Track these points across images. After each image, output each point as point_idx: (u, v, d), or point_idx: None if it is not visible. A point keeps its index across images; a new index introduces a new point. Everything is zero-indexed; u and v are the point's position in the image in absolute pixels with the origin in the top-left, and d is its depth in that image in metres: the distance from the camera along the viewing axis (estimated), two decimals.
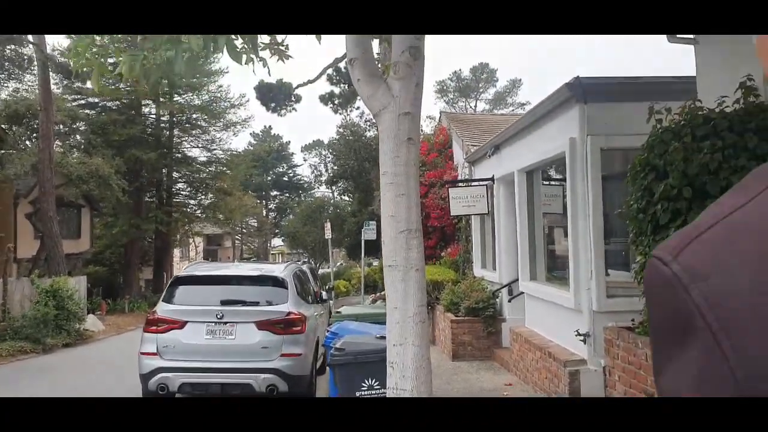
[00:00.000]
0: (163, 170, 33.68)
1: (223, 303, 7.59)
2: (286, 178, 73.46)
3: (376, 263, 25.65)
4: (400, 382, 3.94)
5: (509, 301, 10.46)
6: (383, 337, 4.21)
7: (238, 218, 44.07)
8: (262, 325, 7.42)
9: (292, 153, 73.90)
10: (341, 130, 23.68)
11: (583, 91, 7.02)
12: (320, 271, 41.94)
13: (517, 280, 10.29)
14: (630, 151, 7.42)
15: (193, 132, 35.02)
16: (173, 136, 34.90)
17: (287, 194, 73.80)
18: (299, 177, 72.59)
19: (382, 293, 21.35)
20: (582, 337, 7.00)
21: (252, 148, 67.98)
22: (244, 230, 75.93)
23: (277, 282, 7.95)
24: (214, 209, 36.78)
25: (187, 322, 7.47)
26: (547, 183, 9.77)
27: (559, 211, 10.03)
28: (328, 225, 20.18)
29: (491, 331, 10.67)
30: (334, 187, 27.18)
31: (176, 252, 53.59)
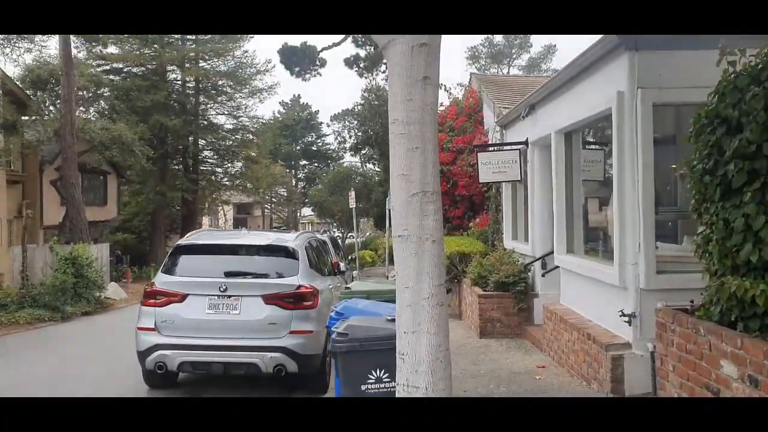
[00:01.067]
0: (189, 138, 33.25)
1: (227, 275, 6.93)
2: (315, 148, 73.00)
3: None
4: (412, 377, 3.22)
5: (543, 275, 9.64)
6: (394, 320, 3.48)
7: (266, 187, 43.62)
8: (269, 299, 6.76)
9: (321, 122, 73.37)
10: (366, 94, 22.77)
11: (634, 37, 6.10)
12: (348, 241, 41.48)
13: (552, 252, 9.46)
14: (687, 107, 6.50)
15: (219, 99, 34.46)
16: (199, 103, 34.40)
17: (316, 164, 73.43)
18: (328, 146, 72.13)
19: None
20: (627, 318, 6.19)
21: (280, 117, 67.78)
22: (274, 199, 76.08)
23: (287, 252, 7.26)
24: (242, 177, 36.39)
25: (187, 295, 6.83)
26: (587, 147, 8.88)
27: (599, 178, 9.16)
28: (352, 194, 19.44)
29: (522, 307, 9.89)
30: (358, 155, 26.29)
31: (205, 220, 53.78)
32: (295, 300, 6.80)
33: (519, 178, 10.32)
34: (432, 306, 3.25)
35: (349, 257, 16.27)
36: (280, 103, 73.51)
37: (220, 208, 51.24)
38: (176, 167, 34.50)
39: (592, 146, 9.08)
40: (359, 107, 23.21)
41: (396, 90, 3.28)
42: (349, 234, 43.68)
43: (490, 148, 10.99)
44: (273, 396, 6.95)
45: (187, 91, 34.12)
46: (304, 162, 73.33)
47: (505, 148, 10.58)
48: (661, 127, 8.04)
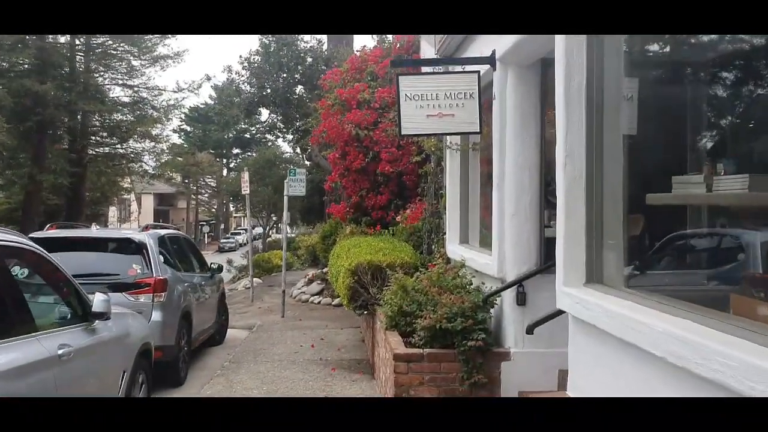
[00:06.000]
0: (78, 114, 27.18)
1: None
2: (248, 135, 67.33)
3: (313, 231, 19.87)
4: None
5: (529, 331, 4.67)
6: None
7: (169, 171, 37.84)
8: None
9: (259, 107, 67.40)
10: (265, 39, 17.23)
11: None
12: (275, 237, 36.09)
13: (537, 273, 4.72)
14: None
15: (109, 62, 28.40)
16: (90, 70, 28.39)
17: (250, 152, 67.81)
18: (266, 138, 66.80)
19: (323, 271, 15.62)
20: None
21: (212, 103, 62.59)
22: (201, 191, 70.30)
23: None
24: (136, 160, 30.52)
25: None
26: None
27: (630, 132, 4.35)
28: (245, 176, 14.30)
29: (479, 380, 5.02)
30: (251, 120, 20.93)
31: (112, 211, 47.46)
32: None
33: (477, 129, 5.37)
34: None
35: (225, 262, 11.18)
36: (212, 86, 67.33)
37: (128, 197, 44.97)
38: (62, 147, 28.51)
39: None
40: (255, 57, 17.71)
41: None
42: (269, 229, 38.35)
43: (425, 69, 6.07)
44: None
45: (78, 55, 28.10)
46: (237, 150, 67.75)
47: (454, 69, 5.64)
48: None
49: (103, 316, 4.40)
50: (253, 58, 17.44)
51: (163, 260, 7.45)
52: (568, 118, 3.76)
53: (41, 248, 4.05)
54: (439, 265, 6.22)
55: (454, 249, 6.98)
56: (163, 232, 8.33)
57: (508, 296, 5.16)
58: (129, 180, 34.96)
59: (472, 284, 5.78)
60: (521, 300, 5.02)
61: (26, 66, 25.15)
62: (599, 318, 3.33)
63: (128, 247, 7.22)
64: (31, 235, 7.47)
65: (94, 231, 7.68)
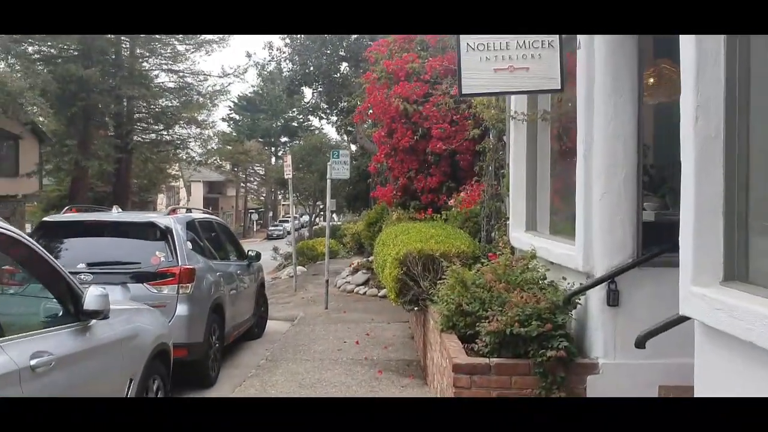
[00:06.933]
0: (113, 93, 26.91)
1: None
2: (295, 123, 67.27)
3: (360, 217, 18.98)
4: None
5: (640, 344, 3.49)
6: None
7: (218, 159, 37.54)
8: None
9: (304, 96, 67.45)
10: None
11: None
12: (320, 225, 35.59)
13: (635, 266, 3.73)
14: None
15: (153, 46, 28.00)
16: (135, 55, 28.10)
17: (297, 140, 67.87)
18: (311, 121, 66.63)
19: (369, 259, 14.79)
20: None
21: (258, 90, 62.71)
22: (250, 179, 70.66)
23: None
24: (182, 147, 30.19)
25: None
26: None
27: None
28: (288, 159, 13.53)
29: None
30: (293, 101, 20.17)
31: (161, 199, 47.69)
32: None
33: (558, 86, 4.34)
34: None
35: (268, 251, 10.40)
36: (258, 74, 67.57)
37: (176, 184, 45.04)
38: (108, 133, 28.39)
39: None
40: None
41: None
42: (315, 216, 37.79)
43: None
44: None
45: (123, 39, 27.82)
46: (284, 139, 67.73)
47: None
48: None
49: (99, 314, 3.59)
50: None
51: (191, 247, 6.68)
52: (700, 57, 2.74)
53: (23, 233, 3.24)
54: (504, 255, 5.24)
55: (519, 237, 5.98)
56: (193, 216, 7.57)
57: (596, 295, 4.15)
58: (176, 167, 34.81)
59: (545, 279, 4.79)
60: (613, 300, 4.01)
61: (71, 51, 25.02)
62: (756, 332, 2.33)
63: (151, 232, 6.45)
64: (44, 219, 6.84)
65: (115, 214, 6.95)
